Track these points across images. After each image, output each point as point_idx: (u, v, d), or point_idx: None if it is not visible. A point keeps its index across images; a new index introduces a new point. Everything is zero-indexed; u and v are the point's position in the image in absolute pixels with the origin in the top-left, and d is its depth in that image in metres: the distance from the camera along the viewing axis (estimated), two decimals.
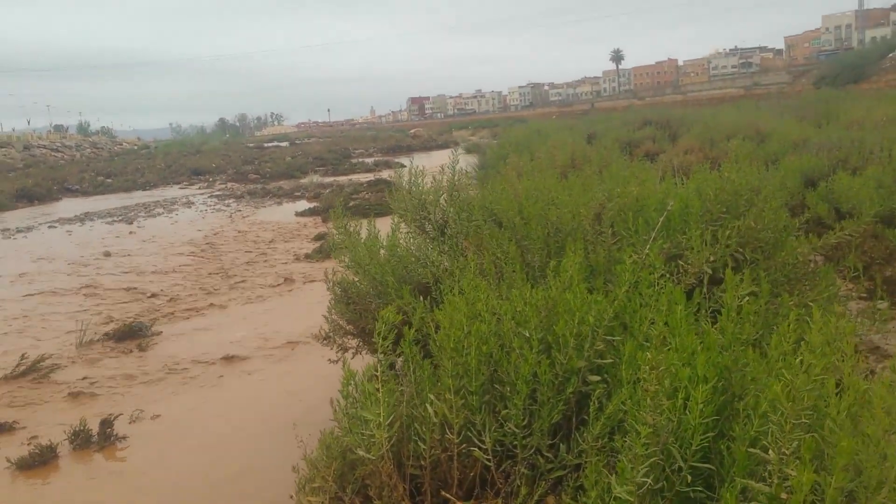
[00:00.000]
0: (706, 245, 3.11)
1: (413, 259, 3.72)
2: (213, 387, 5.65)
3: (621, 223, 3.45)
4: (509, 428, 2.31)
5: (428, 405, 2.37)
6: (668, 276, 3.15)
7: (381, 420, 2.22)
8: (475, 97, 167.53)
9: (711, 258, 3.07)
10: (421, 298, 3.21)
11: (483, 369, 2.39)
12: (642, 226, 3.39)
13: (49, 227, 16.53)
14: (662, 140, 15.86)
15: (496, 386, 2.41)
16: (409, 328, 2.54)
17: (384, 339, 2.33)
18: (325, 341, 4.60)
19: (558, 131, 16.56)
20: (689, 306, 2.67)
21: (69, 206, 23.18)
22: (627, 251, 3.25)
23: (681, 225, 3.51)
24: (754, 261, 3.46)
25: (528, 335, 2.40)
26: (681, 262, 3.24)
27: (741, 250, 3.46)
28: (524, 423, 2.30)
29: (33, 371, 6.04)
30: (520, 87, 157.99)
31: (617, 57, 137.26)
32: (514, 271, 3.16)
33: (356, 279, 4.01)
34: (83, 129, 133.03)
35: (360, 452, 2.26)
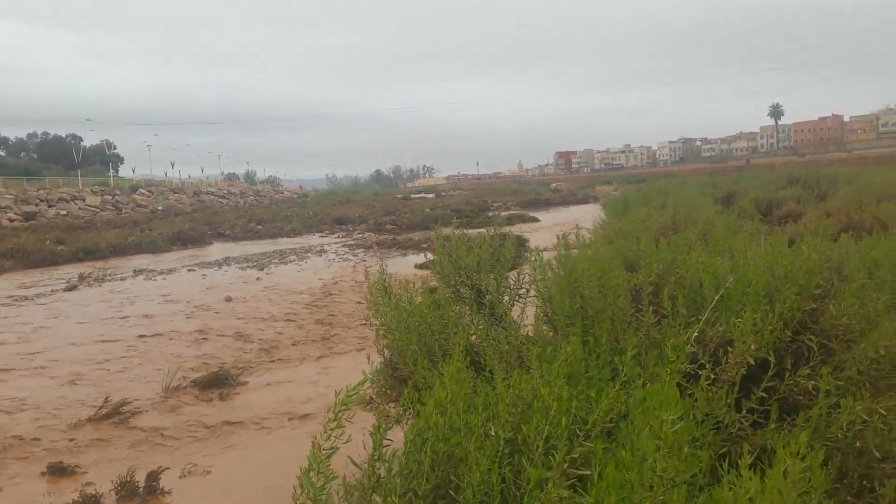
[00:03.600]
0: (755, 330, 2.60)
1: (439, 326, 3.42)
2: (275, 444, 5.54)
3: (667, 300, 2.98)
4: None
5: None
6: (709, 365, 2.70)
7: None
8: (623, 152, 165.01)
9: (754, 346, 2.56)
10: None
11: (436, 472, 2.05)
12: (683, 304, 2.93)
13: (188, 270, 17.58)
14: (808, 201, 14.62)
15: (451, 492, 2.06)
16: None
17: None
18: (367, 406, 4.38)
19: (682, 188, 15.68)
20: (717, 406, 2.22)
21: (217, 250, 24.70)
22: (669, 334, 2.82)
23: (739, 305, 3.01)
24: (830, 351, 2.89)
25: (493, 433, 2.04)
26: (729, 350, 2.75)
27: (811, 338, 2.91)
28: None
29: (116, 414, 6.21)
30: (670, 141, 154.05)
31: (776, 112, 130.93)
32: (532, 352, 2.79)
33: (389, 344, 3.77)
34: (250, 177, 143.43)
35: None
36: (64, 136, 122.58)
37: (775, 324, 2.58)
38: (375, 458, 2.26)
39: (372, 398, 4.35)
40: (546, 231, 23.12)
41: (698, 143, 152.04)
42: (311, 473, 2.01)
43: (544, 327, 3.27)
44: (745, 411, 2.57)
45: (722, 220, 7.09)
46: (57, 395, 6.85)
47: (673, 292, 3.54)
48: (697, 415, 2.28)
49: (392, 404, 4.23)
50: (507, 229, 19.33)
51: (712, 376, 2.71)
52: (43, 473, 4.95)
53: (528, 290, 3.50)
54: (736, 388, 2.46)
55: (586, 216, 17.04)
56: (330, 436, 2.08)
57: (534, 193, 50.14)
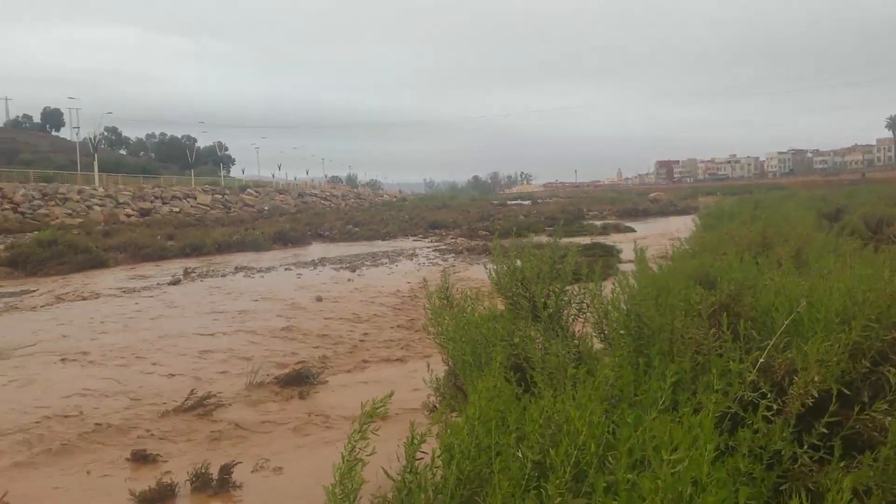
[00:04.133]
0: (819, 359, 2.44)
1: (491, 338, 3.39)
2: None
3: (727, 323, 2.85)
4: None
5: None
6: (771, 395, 2.56)
7: None
8: (729, 162, 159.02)
9: (817, 378, 2.41)
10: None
11: (461, 490, 2.03)
12: (752, 327, 2.78)
13: (285, 269, 18.17)
14: None
15: None
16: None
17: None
18: (430, 414, 4.40)
19: (784, 201, 14.94)
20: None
21: (315, 251, 25.42)
22: (716, 362, 2.69)
23: (811, 332, 2.84)
24: None
25: (520, 455, 2.00)
26: (795, 380, 2.59)
27: (891, 370, 2.71)
28: None
29: (200, 406, 6.48)
30: (779, 152, 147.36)
31: (893, 124, 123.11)
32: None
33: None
34: (351, 180, 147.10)
35: None
36: (180, 137, 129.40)
37: (841, 354, 2.41)
38: (407, 471, 2.26)
39: (435, 406, 4.37)
40: (642, 241, 22.56)
41: (809, 154, 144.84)
42: (336, 487, 2.03)
43: (600, 345, 3.18)
44: (806, 446, 2.42)
45: (820, 238, 6.72)
46: (150, 385, 7.21)
47: (748, 314, 3.39)
48: (745, 449, 2.16)
49: (454, 413, 4.24)
50: (599, 239, 18.89)
51: (775, 407, 2.58)
52: (127, 459, 5.22)
53: (587, 305, 3.41)
54: (792, 421, 2.31)
55: (683, 228, 16.52)
56: (354, 447, 2.10)
57: (631, 203, 49.10)
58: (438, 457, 2.14)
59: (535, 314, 3.49)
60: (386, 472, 2.39)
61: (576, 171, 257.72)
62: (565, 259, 3.93)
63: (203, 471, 4.77)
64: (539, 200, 70.63)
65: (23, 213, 47.28)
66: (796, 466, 2.57)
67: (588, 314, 3.40)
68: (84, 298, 14.19)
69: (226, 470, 4.82)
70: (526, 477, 1.99)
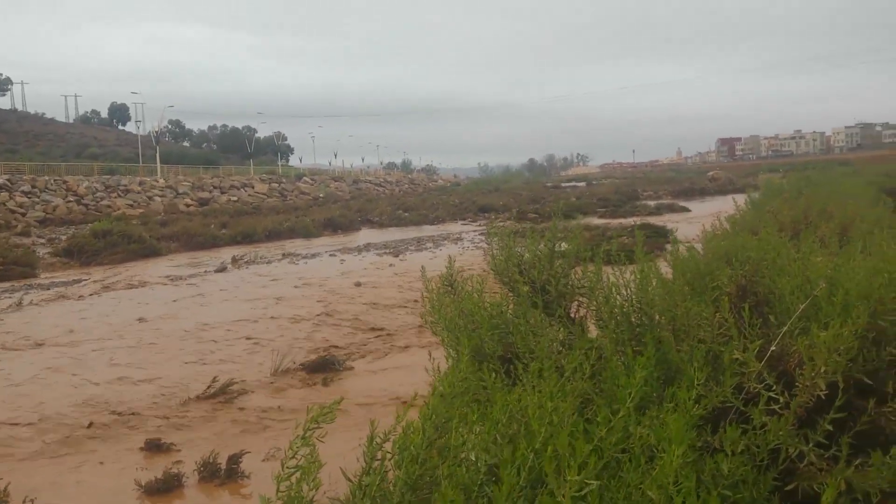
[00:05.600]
0: (829, 348, 2.14)
1: (494, 326, 3.16)
2: (359, 433, 5.48)
3: (728, 309, 2.55)
4: None
5: None
6: (777, 387, 2.29)
7: None
8: (793, 138, 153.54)
9: (824, 368, 2.12)
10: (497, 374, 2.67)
11: (408, 497, 1.82)
12: (761, 312, 2.49)
13: (330, 255, 18.20)
14: None
15: None
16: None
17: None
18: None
19: (840, 177, 14.17)
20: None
21: (363, 236, 25.48)
22: (728, 348, 2.42)
23: (828, 317, 2.53)
24: None
25: (473, 458, 1.78)
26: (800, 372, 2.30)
27: None
28: None
29: (223, 393, 6.42)
30: (846, 127, 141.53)
31: None
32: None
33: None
34: (406, 166, 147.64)
35: None
36: (240, 128, 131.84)
37: (851, 341, 2.11)
38: (365, 472, 2.08)
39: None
40: (695, 222, 21.88)
41: (878, 128, 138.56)
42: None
43: (597, 333, 2.92)
44: (811, 444, 2.13)
45: (873, 214, 6.25)
46: (177, 372, 7.20)
47: (764, 296, 3.09)
48: (732, 448, 1.89)
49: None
50: (651, 219, 18.39)
51: (781, 400, 2.29)
52: (141, 449, 5.17)
53: (588, 289, 3.14)
54: (791, 417, 2.03)
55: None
56: (295, 454, 1.91)
57: (688, 182, 47.76)
58: (389, 459, 1.94)
59: (535, 301, 3.24)
60: (344, 474, 2.21)
61: (633, 152, 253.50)
62: (572, 240, 3.65)
63: (211, 460, 4.68)
64: (594, 182, 69.50)
65: (86, 205, 48.72)
66: (802, 465, 2.29)
67: (588, 298, 3.13)
68: (131, 287, 14.43)
69: (234, 460, 4.72)
70: (480, 482, 1.77)
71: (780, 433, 2.02)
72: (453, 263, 3.94)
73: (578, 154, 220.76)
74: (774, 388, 2.32)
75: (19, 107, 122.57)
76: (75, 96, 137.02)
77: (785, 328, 2.63)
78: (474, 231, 24.53)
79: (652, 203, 31.78)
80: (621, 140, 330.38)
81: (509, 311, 3.09)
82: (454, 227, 26.79)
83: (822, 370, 2.14)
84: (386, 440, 2.13)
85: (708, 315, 2.59)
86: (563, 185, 66.55)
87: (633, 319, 2.80)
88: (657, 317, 2.71)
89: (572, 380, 2.03)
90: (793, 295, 2.69)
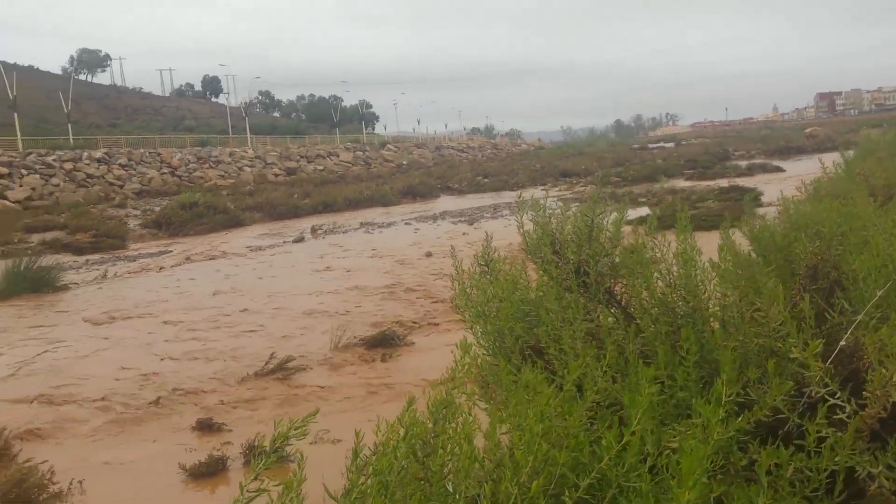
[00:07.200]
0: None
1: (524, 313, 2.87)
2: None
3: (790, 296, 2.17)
4: None
5: None
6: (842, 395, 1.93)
7: None
8: None
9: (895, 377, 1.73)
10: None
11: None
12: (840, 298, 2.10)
13: (405, 224, 18.11)
14: None
15: None
16: None
17: None
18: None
19: None
20: None
21: (441, 204, 25.33)
22: (786, 344, 2.06)
23: None
24: None
25: (451, 489, 1.52)
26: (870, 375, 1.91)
27: None
28: None
29: (281, 370, 6.36)
30: None
31: None
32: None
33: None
34: (489, 131, 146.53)
35: None
36: (326, 97, 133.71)
37: None
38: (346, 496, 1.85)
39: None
40: (789, 182, 20.65)
41: None
42: None
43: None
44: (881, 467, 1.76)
45: None
46: (239, 347, 7.20)
47: (836, 278, 2.69)
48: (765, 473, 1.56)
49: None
50: (740, 181, 17.47)
51: (848, 409, 1.92)
52: (193, 428, 5.15)
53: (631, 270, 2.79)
54: (853, 428, 1.67)
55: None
56: (258, 475, 1.69)
57: (784, 140, 45.21)
58: (361, 485, 1.70)
59: (570, 284, 2.91)
60: (327, 491, 1.99)
61: (726, 109, 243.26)
62: (620, 211, 3.27)
63: (256, 443, 4.59)
64: (683, 142, 66.93)
65: (180, 177, 50.47)
66: (871, 488, 1.92)
67: (628, 280, 2.78)
68: (212, 258, 14.76)
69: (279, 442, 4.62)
70: None
71: (843, 451, 1.66)
72: (490, 240, 3.63)
73: (667, 114, 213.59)
74: (839, 394, 1.95)
75: (118, 82, 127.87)
76: (170, 70, 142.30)
77: (858, 318, 2.24)
78: (552, 197, 23.95)
79: (743, 163, 30.21)
80: (713, 98, 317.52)
81: (533, 294, 2.78)
82: (535, 193, 26.30)
83: (892, 378, 1.76)
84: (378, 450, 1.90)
85: (766, 304, 2.22)
86: (649, 146, 64.36)
87: (679, 308, 2.45)
88: (704, 305, 2.35)
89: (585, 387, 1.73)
90: (869, 277, 2.28)
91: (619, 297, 3.02)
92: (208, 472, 4.44)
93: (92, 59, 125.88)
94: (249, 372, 6.34)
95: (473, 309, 2.99)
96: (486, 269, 3.59)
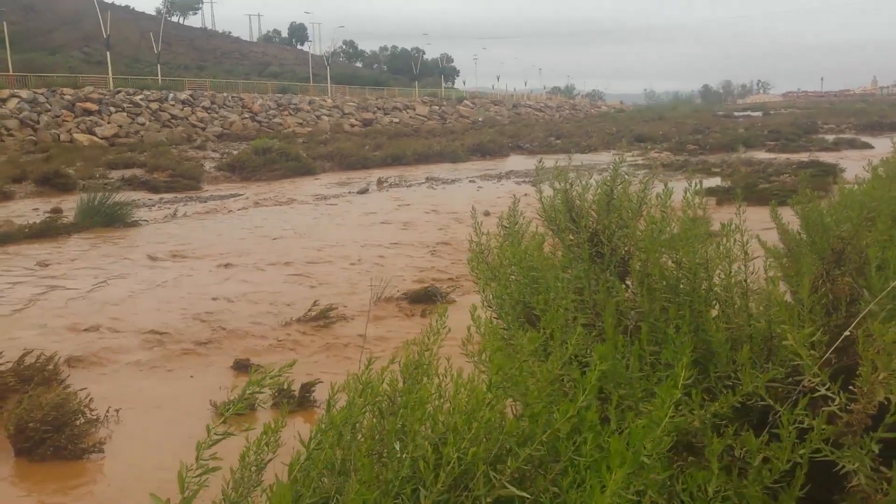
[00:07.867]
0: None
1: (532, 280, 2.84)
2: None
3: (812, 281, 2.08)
4: None
5: None
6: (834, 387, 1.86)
7: None
8: None
9: (882, 375, 1.65)
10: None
11: (324, 483, 1.62)
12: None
13: (469, 181, 18.07)
14: None
15: None
16: None
17: None
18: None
19: None
20: None
21: (510, 163, 25.13)
22: (783, 330, 2.00)
23: None
24: None
25: (398, 450, 1.54)
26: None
27: None
28: None
29: (323, 318, 6.51)
30: None
31: None
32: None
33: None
34: (569, 91, 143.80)
35: None
36: (409, 49, 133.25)
37: None
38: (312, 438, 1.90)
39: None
40: (875, 161, 19.63)
41: None
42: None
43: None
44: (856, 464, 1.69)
45: None
46: (287, 293, 7.39)
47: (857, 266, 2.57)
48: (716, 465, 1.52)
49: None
50: (823, 155, 16.70)
51: (837, 401, 1.85)
52: (230, 367, 5.35)
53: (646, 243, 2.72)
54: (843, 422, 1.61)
55: None
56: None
57: (878, 115, 42.75)
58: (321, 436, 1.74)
59: (582, 254, 2.86)
60: (301, 440, 2.04)
61: (822, 79, 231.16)
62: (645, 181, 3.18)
63: (286, 387, 4.73)
64: (771, 112, 64.19)
65: (259, 122, 51.49)
66: (851, 484, 1.86)
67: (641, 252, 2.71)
68: (279, 204, 15.10)
69: (307, 388, 4.76)
70: (401, 478, 1.53)
71: (810, 442, 1.61)
72: (517, 203, 3.59)
73: (759, 81, 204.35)
74: (830, 385, 1.88)
75: (209, 26, 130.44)
76: (258, 16, 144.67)
77: (867, 309, 2.14)
78: (626, 164, 23.43)
79: (830, 137, 28.77)
80: (809, 67, 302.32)
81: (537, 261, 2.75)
82: (603, 157, 25.71)
83: (880, 376, 1.68)
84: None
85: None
86: (735, 113, 61.92)
87: (683, 285, 2.39)
88: (704, 283, 2.28)
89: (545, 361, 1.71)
90: (884, 267, 2.17)
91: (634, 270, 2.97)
92: (236, 411, 4.60)
93: (184, 2, 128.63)
94: (293, 317, 6.51)
95: (484, 272, 2.97)
96: (509, 230, 3.55)
